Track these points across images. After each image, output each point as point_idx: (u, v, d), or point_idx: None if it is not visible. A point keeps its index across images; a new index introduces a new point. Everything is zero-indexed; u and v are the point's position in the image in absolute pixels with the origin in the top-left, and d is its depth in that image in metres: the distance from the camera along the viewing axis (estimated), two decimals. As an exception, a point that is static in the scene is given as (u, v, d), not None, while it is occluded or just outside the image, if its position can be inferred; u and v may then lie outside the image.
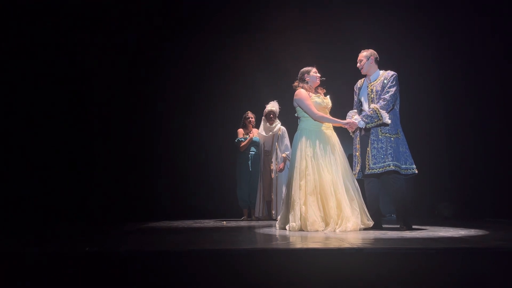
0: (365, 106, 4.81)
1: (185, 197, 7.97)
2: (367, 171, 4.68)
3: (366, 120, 4.67)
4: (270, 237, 4.19)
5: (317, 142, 4.88)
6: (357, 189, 4.84)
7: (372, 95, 4.77)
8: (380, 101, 4.65)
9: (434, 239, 3.62)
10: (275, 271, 2.80)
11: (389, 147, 4.62)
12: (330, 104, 5.09)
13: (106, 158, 7.78)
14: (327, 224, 4.65)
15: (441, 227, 4.82)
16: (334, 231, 4.52)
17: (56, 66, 7.26)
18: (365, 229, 4.66)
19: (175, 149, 8.18)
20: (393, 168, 4.56)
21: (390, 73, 4.78)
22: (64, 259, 2.91)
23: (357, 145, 4.85)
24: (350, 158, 5.00)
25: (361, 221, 4.68)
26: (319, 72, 5.12)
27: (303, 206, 4.68)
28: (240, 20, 7.85)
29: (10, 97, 6.77)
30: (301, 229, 4.64)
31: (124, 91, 7.96)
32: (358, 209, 4.69)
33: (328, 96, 5.13)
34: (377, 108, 4.62)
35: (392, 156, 4.59)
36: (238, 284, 2.77)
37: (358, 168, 4.82)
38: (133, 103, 8.05)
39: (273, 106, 6.95)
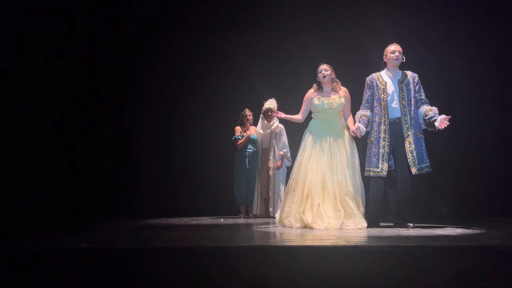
0: (395, 103, 4.77)
1: (183, 194, 7.96)
2: (416, 172, 4.66)
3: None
4: (268, 234, 4.20)
5: (312, 141, 5.01)
6: (355, 190, 4.83)
7: (402, 94, 4.79)
8: (426, 104, 4.78)
9: (431, 237, 3.63)
10: (272, 268, 2.80)
11: (424, 147, 4.73)
12: (335, 105, 5.04)
13: (103, 154, 7.76)
14: (302, 222, 4.75)
15: (438, 225, 4.83)
16: (305, 227, 4.66)
17: (55, 67, 7.22)
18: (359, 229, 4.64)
19: (173, 146, 8.16)
20: (430, 168, 4.71)
21: (415, 74, 4.91)
22: (60, 256, 2.90)
23: (382, 141, 4.76)
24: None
25: (352, 222, 4.65)
26: (330, 68, 5.13)
27: (284, 202, 5.10)
28: (238, 17, 7.82)
29: (11, 97, 6.73)
30: (280, 223, 5.06)
31: (123, 89, 7.95)
32: (343, 211, 4.69)
33: (336, 97, 5.09)
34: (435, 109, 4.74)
35: (428, 156, 4.73)
36: (235, 281, 2.77)
37: (385, 165, 4.71)
38: (132, 101, 8.03)
39: (271, 103, 6.94)
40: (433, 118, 4.65)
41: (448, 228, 4.53)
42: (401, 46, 4.92)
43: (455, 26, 7.28)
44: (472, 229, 4.35)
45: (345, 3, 7.52)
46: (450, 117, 4.57)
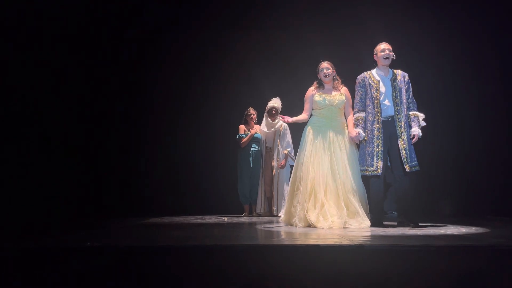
0: (387, 101, 4.78)
1: (187, 193, 7.98)
2: (408, 169, 4.68)
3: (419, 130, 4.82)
4: (271, 233, 4.20)
5: (313, 138, 5.00)
6: (357, 188, 4.83)
7: (395, 92, 4.79)
8: (412, 105, 4.84)
9: (434, 237, 3.62)
10: (275, 267, 2.81)
11: (412, 146, 4.76)
12: (336, 102, 5.03)
13: (107, 153, 7.78)
14: (306, 221, 4.74)
15: (442, 225, 4.83)
16: (309, 227, 4.64)
17: (57, 68, 7.23)
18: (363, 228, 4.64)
19: (176, 145, 8.18)
20: (418, 167, 4.74)
21: (405, 73, 4.91)
22: (65, 254, 2.92)
23: (376, 140, 4.75)
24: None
25: (356, 221, 4.64)
26: (331, 66, 5.11)
27: (288, 202, 5.11)
28: (243, 16, 7.83)
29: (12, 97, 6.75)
30: (286, 222, 5.01)
31: (125, 88, 7.96)
32: (346, 209, 4.69)
33: (337, 94, 5.07)
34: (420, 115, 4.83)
35: (415, 155, 4.75)
36: (238, 280, 2.78)
37: (380, 163, 4.71)
38: (136, 100, 8.05)
39: (275, 102, 6.95)
40: (411, 128, 4.80)
41: (452, 227, 4.53)
42: (392, 45, 4.90)
43: (448, 25, 7.30)
44: (476, 228, 4.34)
45: (348, 2, 7.53)
46: (415, 140, 4.78)
